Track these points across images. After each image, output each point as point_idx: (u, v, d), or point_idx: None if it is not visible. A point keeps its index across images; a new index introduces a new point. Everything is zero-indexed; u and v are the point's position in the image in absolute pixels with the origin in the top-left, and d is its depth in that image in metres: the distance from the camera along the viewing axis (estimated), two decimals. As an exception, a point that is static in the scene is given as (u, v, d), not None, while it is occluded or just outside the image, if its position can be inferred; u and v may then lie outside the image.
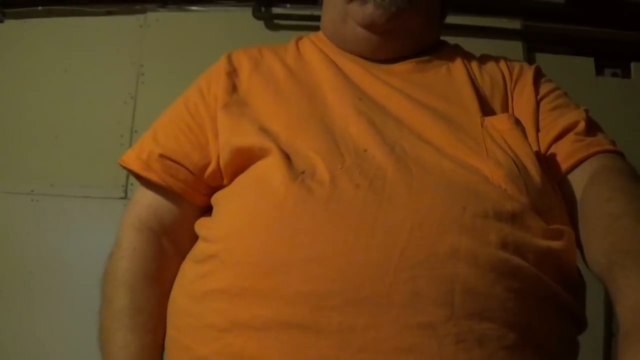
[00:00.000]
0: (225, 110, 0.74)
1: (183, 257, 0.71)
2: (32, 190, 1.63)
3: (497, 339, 0.53)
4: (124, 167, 0.78)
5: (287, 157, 0.65)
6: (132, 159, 0.77)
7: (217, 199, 0.71)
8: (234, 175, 0.71)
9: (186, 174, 0.75)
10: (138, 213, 0.77)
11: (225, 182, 0.73)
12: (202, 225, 0.71)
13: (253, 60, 0.81)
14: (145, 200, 0.77)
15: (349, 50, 0.82)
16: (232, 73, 0.80)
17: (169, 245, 0.75)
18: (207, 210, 0.74)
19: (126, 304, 0.70)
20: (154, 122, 0.81)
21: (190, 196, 0.76)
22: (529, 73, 0.80)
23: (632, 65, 1.81)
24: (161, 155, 0.75)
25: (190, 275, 0.65)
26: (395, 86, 0.75)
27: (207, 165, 0.75)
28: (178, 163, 0.75)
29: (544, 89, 0.79)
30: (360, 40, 0.79)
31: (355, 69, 0.78)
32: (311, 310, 0.53)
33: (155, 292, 0.71)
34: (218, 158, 0.73)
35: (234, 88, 0.78)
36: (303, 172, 0.62)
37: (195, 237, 0.71)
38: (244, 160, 0.69)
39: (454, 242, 0.55)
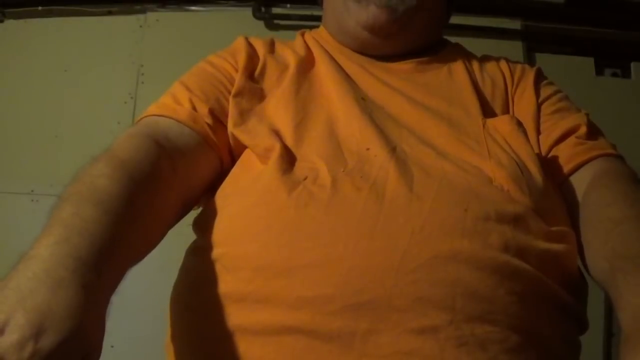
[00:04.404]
0: (237, 100, 0.72)
1: (180, 192, 0.66)
2: (32, 190, 1.63)
3: (499, 342, 0.53)
4: (156, 115, 0.68)
5: (290, 162, 0.64)
6: (168, 107, 0.69)
7: (218, 198, 0.69)
8: (236, 155, 0.71)
9: (227, 137, 0.71)
10: (140, 129, 0.67)
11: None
12: (201, 227, 0.69)
13: (267, 46, 0.81)
14: (161, 127, 0.67)
15: (350, 45, 0.81)
16: (251, 50, 0.79)
17: (169, 167, 0.64)
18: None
19: (101, 183, 0.56)
20: (177, 82, 0.73)
21: (224, 158, 0.72)
22: (530, 75, 0.80)
23: (632, 65, 1.82)
24: (211, 111, 0.70)
25: (193, 279, 0.64)
26: (395, 87, 0.75)
27: None
28: (223, 123, 0.71)
29: (545, 92, 0.78)
30: (361, 40, 0.79)
31: (356, 69, 0.78)
32: (313, 315, 0.53)
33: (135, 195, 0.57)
34: None
35: (251, 69, 0.77)
36: (305, 178, 0.61)
37: (201, 188, 0.69)
38: (243, 148, 0.69)
39: (455, 245, 0.55)
